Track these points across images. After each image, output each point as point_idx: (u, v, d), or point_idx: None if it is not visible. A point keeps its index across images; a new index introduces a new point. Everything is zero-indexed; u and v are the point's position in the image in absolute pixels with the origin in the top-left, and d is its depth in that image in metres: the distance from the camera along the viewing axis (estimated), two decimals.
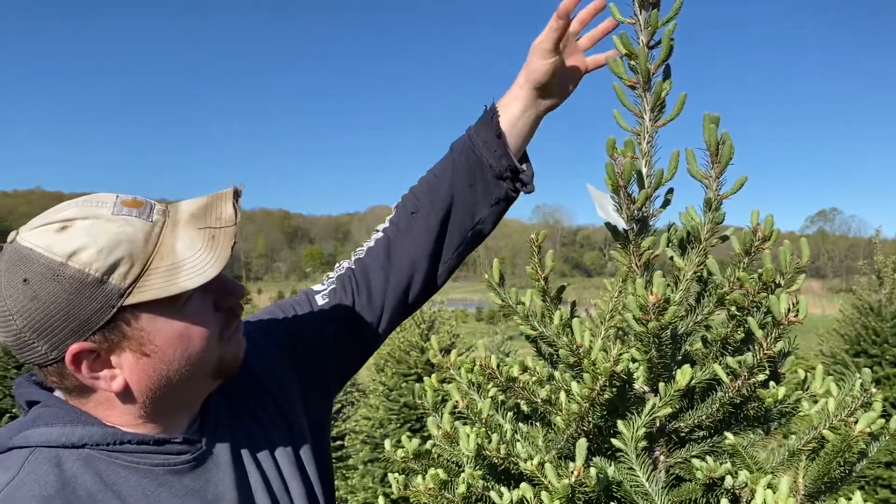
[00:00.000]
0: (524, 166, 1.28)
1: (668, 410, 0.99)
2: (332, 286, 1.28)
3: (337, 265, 1.33)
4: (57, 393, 1.02)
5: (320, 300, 1.27)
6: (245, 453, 1.09)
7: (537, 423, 1.13)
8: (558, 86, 1.24)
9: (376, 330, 1.29)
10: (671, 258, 1.13)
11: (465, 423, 1.09)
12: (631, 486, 0.97)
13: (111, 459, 0.96)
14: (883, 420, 0.96)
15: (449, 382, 1.20)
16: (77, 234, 0.91)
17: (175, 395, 1.01)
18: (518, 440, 1.06)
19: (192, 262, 0.93)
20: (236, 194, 0.99)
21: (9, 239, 0.95)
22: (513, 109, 1.24)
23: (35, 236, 0.92)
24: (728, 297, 1.03)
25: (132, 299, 0.92)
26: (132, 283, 0.92)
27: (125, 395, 0.97)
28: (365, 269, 1.28)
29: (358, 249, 1.32)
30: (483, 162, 1.25)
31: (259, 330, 1.24)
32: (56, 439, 0.94)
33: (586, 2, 1.22)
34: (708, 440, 1.08)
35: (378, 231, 1.32)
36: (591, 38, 1.26)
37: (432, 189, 1.28)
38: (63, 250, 0.90)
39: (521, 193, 1.30)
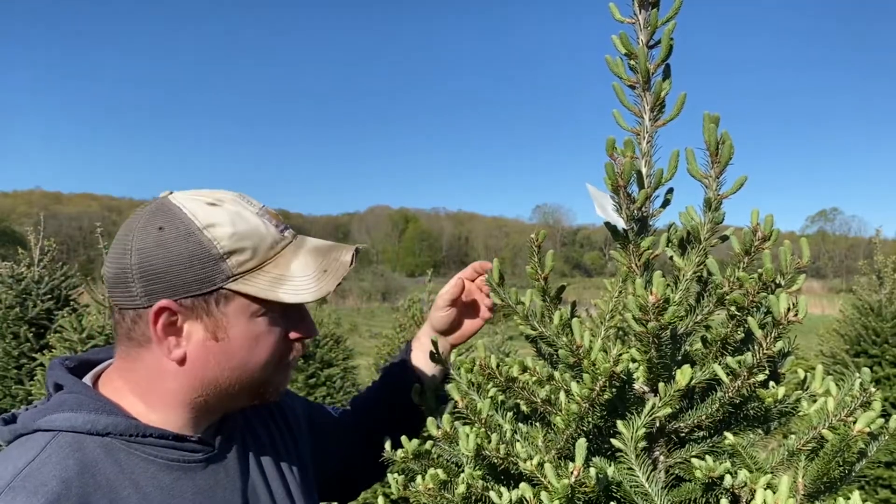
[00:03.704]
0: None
1: (668, 410, 0.99)
2: (335, 414, 1.45)
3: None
4: (86, 379, 1.06)
5: (333, 412, 1.44)
6: (254, 463, 1.13)
7: (537, 424, 1.12)
8: (460, 327, 1.46)
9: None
10: (671, 258, 1.13)
11: (464, 424, 1.09)
12: (630, 487, 0.97)
13: (130, 450, 0.99)
14: (882, 420, 0.96)
15: (448, 382, 1.20)
16: (222, 213, 1.00)
17: (214, 398, 1.05)
18: (518, 440, 1.06)
19: (298, 281, 1.01)
20: (357, 251, 1.09)
21: (161, 194, 1.04)
22: (422, 344, 1.47)
23: (186, 200, 1.01)
24: (728, 297, 1.03)
25: (234, 286, 0.99)
26: (242, 273, 0.99)
27: (177, 370, 1.01)
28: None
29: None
30: (400, 389, 1.43)
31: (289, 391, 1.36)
32: (81, 425, 0.97)
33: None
34: (708, 440, 1.08)
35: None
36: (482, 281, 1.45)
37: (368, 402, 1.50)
38: (205, 220, 0.99)
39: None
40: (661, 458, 1.08)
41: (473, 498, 1.03)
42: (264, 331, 1.03)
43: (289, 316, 1.06)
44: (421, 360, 1.46)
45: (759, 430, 1.10)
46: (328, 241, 1.11)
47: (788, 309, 0.95)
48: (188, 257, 0.97)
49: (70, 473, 0.91)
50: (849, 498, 0.91)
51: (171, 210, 0.99)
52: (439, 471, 1.04)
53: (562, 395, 1.02)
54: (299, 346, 1.09)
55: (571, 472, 0.89)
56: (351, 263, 1.06)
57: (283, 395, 1.31)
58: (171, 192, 1.03)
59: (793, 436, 1.01)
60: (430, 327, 1.47)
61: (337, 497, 1.44)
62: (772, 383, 1.03)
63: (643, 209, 1.10)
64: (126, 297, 0.99)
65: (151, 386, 1.02)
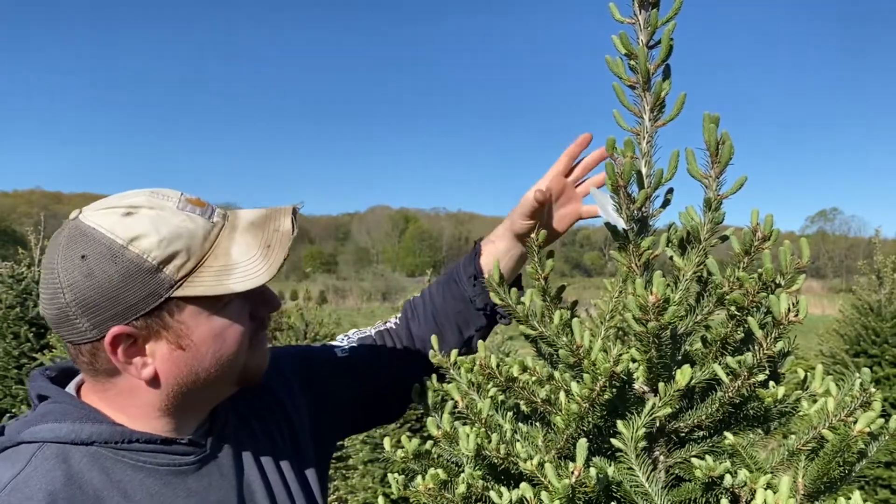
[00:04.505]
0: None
1: (668, 410, 0.99)
2: (353, 345, 1.36)
3: (352, 331, 1.43)
4: (69, 388, 1.04)
5: (339, 353, 1.35)
6: (249, 460, 1.10)
7: (537, 423, 1.12)
8: (548, 230, 1.29)
9: (386, 397, 1.36)
10: (671, 258, 1.13)
11: (464, 423, 1.09)
12: (631, 486, 0.97)
13: (118, 457, 0.96)
14: (882, 420, 0.96)
15: (449, 382, 1.20)
16: (142, 221, 0.92)
17: (196, 394, 1.02)
18: (518, 440, 1.06)
19: (244, 266, 0.96)
20: (295, 211, 1.03)
21: (70, 216, 0.96)
22: (496, 249, 1.33)
23: (99, 217, 0.93)
24: (728, 297, 1.03)
25: (181, 292, 0.94)
26: (184, 277, 0.94)
27: (151, 385, 0.99)
28: (383, 345, 1.38)
29: (369, 328, 1.43)
30: (465, 296, 1.35)
31: (282, 352, 1.29)
32: (65, 435, 0.95)
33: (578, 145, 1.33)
34: (708, 440, 1.08)
35: (388, 323, 1.42)
36: (584, 167, 1.34)
37: (426, 308, 1.39)
38: (126, 234, 0.91)
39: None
40: (661, 457, 1.08)
41: (473, 498, 1.03)
42: (227, 323, 0.99)
43: (248, 298, 1.01)
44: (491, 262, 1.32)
45: (759, 430, 1.10)
46: (261, 210, 1.04)
47: (789, 309, 0.95)
48: (122, 279, 0.90)
49: (56, 486, 0.90)
50: (849, 498, 0.92)
51: (86, 233, 0.92)
52: (439, 471, 1.04)
53: (562, 395, 1.02)
54: (264, 319, 1.07)
55: (572, 472, 0.89)
56: (293, 230, 1.00)
57: (270, 372, 1.25)
58: (81, 212, 0.96)
59: (793, 436, 1.01)
60: (509, 231, 1.32)
61: (382, 415, 1.40)
62: (772, 383, 1.03)
63: (643, 209, 1.10)
64: (75, 333, 0.94)
65: (128, 402, 1.00)
